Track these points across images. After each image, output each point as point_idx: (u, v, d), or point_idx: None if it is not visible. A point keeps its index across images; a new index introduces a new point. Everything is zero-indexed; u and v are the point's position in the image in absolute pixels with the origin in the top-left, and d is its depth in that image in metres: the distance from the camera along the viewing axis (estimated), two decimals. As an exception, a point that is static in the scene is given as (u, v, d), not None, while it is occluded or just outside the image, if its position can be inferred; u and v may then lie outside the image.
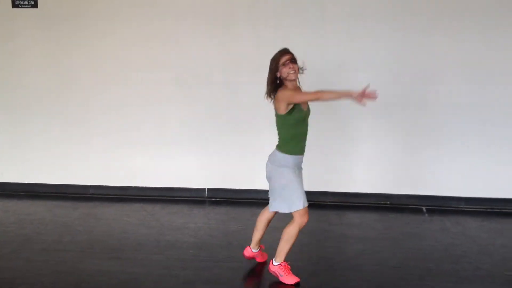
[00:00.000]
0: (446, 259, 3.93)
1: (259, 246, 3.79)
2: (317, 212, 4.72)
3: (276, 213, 3.61)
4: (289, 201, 3.37)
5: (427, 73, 5.00)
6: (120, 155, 5.57)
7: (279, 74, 3.33)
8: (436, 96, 5.03)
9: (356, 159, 5.27)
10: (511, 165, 5.04)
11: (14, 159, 5.78)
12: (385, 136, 5.17)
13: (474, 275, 3.66)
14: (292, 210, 3.38)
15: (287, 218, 3.51)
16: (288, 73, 3.30)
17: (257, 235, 3.73)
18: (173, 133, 5.47)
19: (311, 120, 3.51)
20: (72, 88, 5.53)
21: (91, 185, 5.71)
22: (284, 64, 3.30)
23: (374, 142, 5.22)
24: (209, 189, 5.55)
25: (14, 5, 5.44)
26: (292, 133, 3.38)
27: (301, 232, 3.45)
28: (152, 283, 3.56)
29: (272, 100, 3.38)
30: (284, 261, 3.48)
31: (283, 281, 3.44)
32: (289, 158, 3.37)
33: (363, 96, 3.09)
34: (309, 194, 3.57)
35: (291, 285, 3.43)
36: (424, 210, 5.12)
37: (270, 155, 3.46)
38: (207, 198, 5.54)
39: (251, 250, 3.77)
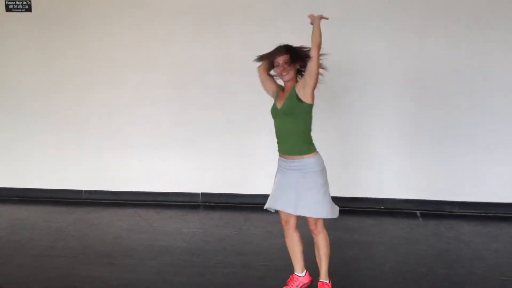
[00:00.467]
0: (440, 263, 3.93)
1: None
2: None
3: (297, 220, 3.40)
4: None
5: (420, 75, 5.01)
6: (114, 159, 5.55)
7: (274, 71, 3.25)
8: (430, 98, 5.03)
9: (350, 164, 5.26)
10: (504, 169, 5.05)
11: (6, 164, 5.75)
12: (379, 140, 5.17)
13: (468, 279, 3.65)
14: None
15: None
16: (280, 74, 3.18)
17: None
18: (167, 137, 5.45)
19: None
20: (65, 91, 5.51)
21: (84, 190, 5.69)
22: (277, 65, 3.18)
23: (368, 147, 5.22)
24: (203, 194, 5.54)
25: (8, 9, 5.44)
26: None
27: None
28: (145, 289, 3.54)
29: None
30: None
31: None
32: (278, 158, 3.30)
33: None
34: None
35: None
36: (418, 214, 5.12)
37: None
38: (201, 203, 5.53)
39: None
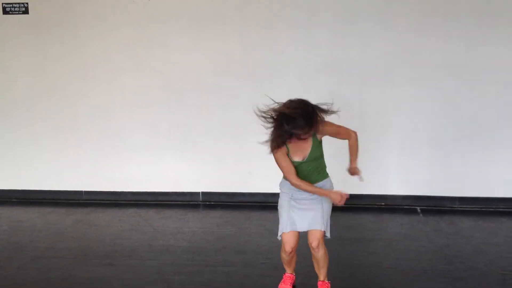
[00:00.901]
0: (441, 259, 3.93)
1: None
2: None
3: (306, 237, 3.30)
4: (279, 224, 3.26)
5: (419, 72, 5.00)
6: (113, 160, 5.54)
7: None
8: (429, 95, 5.03)
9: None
10: (504, 164, 5.05)
11: (5, 166, 5.74)
12: (379, 137, 5.17)
13: (469, 275, 3.65)
14: (278, 234, 3.25)
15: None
16: (298, 140, 2.98)
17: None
18: (166, 137, 5.45)
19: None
20: (63, 93, 5.50)
21: (84, 191, 5.68)
22: (296, 136, 2.94)
23: (368, 143, 5.19)
24: (203, 193, 5.53)
25: (5, 12, 5.42)
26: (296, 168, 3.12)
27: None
28: (145, 289, 3.54)
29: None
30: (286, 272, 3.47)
31: None
32: (286, 184, 3.20)
33: (342, 198, 3.05)
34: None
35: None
36: (419, 210, 5.11)
37: None
38: (201, 202, 5.52)
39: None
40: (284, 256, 3.31)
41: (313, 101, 3.12)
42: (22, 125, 5.63)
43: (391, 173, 5.23)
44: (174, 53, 5.28)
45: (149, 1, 5.21)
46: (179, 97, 5.35)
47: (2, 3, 5.40)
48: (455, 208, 5.13)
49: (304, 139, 2.98)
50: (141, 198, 5.58)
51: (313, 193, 3.09)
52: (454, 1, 4.87)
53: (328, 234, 3.20)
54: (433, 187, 5.19)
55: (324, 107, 2.95)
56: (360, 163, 5.29)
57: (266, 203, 5.16)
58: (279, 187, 3.30)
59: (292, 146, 3.06)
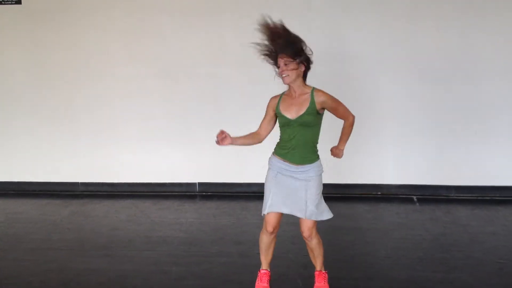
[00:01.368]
0: (437, 248, 3.94)
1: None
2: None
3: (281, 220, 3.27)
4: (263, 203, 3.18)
5: (413, 60, 5.00)
6: (109, 151, 5.53)
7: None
8: (424, 83, 5.02)
9: (345, 150, 5.24)
10: (500, 153, 5.06)
11: (1, 157, 5.72)
12: (373, 126, 5.16)
13: (466, 263, 3.66)
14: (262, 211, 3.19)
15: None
16: (282, 78, 2.99)
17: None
18: (161, 128, 5.43)
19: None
20: (58, 84, 5.47)
21: (80, 182, 5.67)
22: (278, 65, 2.99)
23: (363, 133, 5.20)
24: (200, 184, 5.53)
25: (-3, 2, 5.38)
26: (281, 134, 3.13)
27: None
28: (142, 280, 3.53)
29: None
30: (261, 269, 3.35)
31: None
32: (272, 159, 3.16)
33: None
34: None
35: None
36: (415, 199, 5.12)
37: None
38: (198, 192, 5.52)
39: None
40: (265, 239, 3.21)
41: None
42: (17, 117, 5.60)
43: (386, 162, 5.24)
44: (169, 43, 5.26)
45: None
46: (175, 87, 5.33)
47: (-6, -7, 5.35)
48: (451, 197, 5.14)
49: (284, 76, 2.95)
50: (137, 189, 5.57)
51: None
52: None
53: (325, 217, 3.11)
54: (429, 176, 5.20)
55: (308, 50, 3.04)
56: (356, 152, 5.32)
57: (263, 194, 5.14)
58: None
59: (285, 99, 3.06)
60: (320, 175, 3.15)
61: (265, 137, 3.21)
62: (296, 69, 2.97)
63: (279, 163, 3.12)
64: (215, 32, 5.18)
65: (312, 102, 3.00)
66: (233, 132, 5.43)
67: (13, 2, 5.35)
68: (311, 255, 3.30)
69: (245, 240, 4.17)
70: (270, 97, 3.17)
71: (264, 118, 3.19)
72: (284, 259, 3.70)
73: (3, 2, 5.35)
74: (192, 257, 3.87)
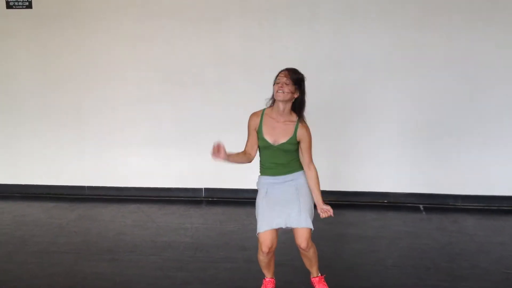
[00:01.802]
0: (444, 257, 3.92)
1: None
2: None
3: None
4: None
5: (421, 68, 4.99)
6: (116, 155, 5.54)
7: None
8: (431, 91, 5.01)
9: (353, 158, 5.25)
10: (507, 162, 5.03)
11: (9, 161, 5.75)
12: (381, 134, 5.16)
13: (472, 273, 3.64)
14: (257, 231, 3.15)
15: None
16: (276, 92, 3.02)
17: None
18: (169, 133, 5.45)
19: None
20: (66, 87, 5.50)
21: (87, 186, 5.68)
22: (276, 82, 3.04)
23: (370, 141, 5.20)
24: (206, 189, 5.53)
25: (8, 6, 5.42)
26: (261, 156, 3.19)
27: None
28: (148, 284, 3.54)
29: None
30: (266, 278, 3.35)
31: None
32: (260, 179, 3.21)
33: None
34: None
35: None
36: (422, 208, 5.10)
37: None
38: (204, 198, 5.52)
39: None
40: (262, 258, 3.16)
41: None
42: (25, 120, 5.63)
43: (394, 171, 5.22)
44: (178, 48, 5.28)
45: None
46: (182, 92, 5.35)
47: (6, -2, 5.40)
48: (458, 206, 5.12)
49: (280, 93, 2.98)
50: (143, 194, 5.58)
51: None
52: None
53: (311, 226, 3.07)
54: (436, 185, 5.18)
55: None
56: (363, 160, 5.32)
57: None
58: None
59: (268, 121, 3.09)
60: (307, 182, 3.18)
61: (254, 156, 3.20)
62: (292, 92, 3.02)
63: (267, 179, 3.16)
64: (222, 38, 5.19)
65: (295, 133, 3.08)
66: (240, 139, 5.46)
67: (24, 7, 5.40)
68: (307, 264, 3.28)
69: (251, 246, 4.15)
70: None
71: (248, 139, 3.21)
72: (289, 266, 3.69)
73: (14, 6, 5.40)
74: (197, 262, 3.87)
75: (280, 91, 3.00)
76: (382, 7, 4.95)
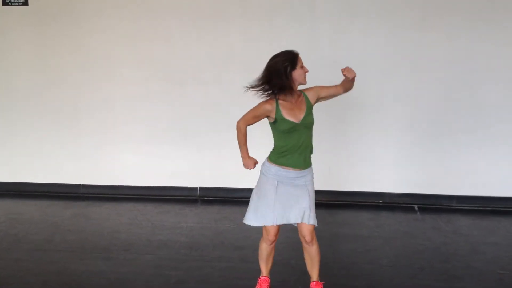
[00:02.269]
0: (438, 257, 3.93)
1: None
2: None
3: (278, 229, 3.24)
4: (259, 213, 3.16)
5: (419, 68, 5.00)
6: (112, 154, 5.53)
7: (293, 76, 3.04)
8: (428, 92, 5.03)
9: (348, 158, 5.26)
10: (502, 163, 5.05)
11: (3, 158, 5.73)
12: (376, 134, 5.17)
13: (466, 273, 3.66)
14: (259, 224, 3.17)
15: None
16: (304, 77, 3.09)
17: None
18: (165, 132, 5.44)
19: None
20: (62, 86, 5.49)
21: (82, 184, 5.67)
22: (302, 66, 3.09)
23: (366, 141, 5.21)
24: (201, 188, 5.53)
25: (4, 3, 5.40)
26: (282, 141, 3.10)
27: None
28: (143, 283, 3.53)
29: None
30: (261, 276, 3.36)
31: None
32: (271, 168, 3.11)
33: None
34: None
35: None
36: (416, 208, 5.12)
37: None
38: (199, 197, 5.52)
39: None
40: (265, 247, 3.22)
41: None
42: (21, 118, 5.62)
43: (389, 171, 5.23)
44: (175, 47, 5.27)
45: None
46: (179, 90, 5.34)
47: (2, -6, 5.39)
48: (453, 207, 5.14)
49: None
50: (139, 192, 5.57)
51: (240, 148, 3.23)
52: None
53: (316, 223, 3.12)
54: (431, 185, 5.19)
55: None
56: (359, 160, 5.32)
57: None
58: (260, 170, 3.19)
59: (284, 104, 3.05)
60: (313, 179, 3.20)
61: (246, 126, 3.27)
62: None
63: (279, 171, 3.10)
64: (221, 37, 5.19)
65: (307, 100, 3.11)
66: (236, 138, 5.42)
67: (20, 4, 5.38)
68: (308, 264, 3.27)
69: (246, 245, 4.17)
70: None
71: (251, 114, 3.20)
72: (286, 266, 3.70)
73: (11, 3, 5.38)
74: (192, 261, 3.87)
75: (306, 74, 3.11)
76: (382, 7, 4.96)
